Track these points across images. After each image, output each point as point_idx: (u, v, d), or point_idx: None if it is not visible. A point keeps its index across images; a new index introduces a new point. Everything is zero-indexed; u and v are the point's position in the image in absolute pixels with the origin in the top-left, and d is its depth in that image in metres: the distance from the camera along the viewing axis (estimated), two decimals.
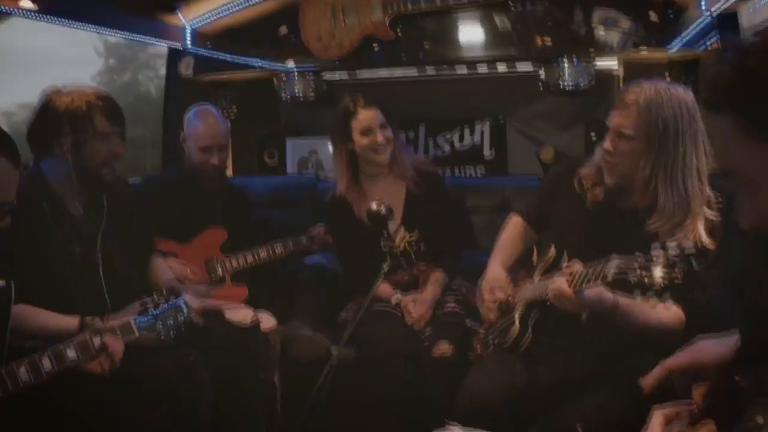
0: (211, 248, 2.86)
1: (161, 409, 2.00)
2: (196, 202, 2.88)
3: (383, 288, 2.69)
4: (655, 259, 1.58)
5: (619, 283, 1.73)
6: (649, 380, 1.48)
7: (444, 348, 2.46)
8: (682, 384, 1.40)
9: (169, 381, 2.08)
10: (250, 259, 2.89)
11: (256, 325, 2.50)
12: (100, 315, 2.05)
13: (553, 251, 2.17)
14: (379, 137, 2.74)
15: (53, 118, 2.06)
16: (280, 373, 2.66)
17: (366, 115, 2.75)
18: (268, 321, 2.65)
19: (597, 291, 1.83)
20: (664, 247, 1.58)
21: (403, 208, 2.82)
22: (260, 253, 2.90)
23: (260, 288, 2.93)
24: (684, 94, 1.91)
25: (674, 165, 1.88)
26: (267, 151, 3.87)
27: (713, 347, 1.41)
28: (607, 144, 1.96)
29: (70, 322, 1.97)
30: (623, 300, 1.83)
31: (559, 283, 1.87)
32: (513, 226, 2.44)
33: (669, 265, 1.56)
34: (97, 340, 1.81)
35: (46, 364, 1.73)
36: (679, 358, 1.42)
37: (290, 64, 3.67)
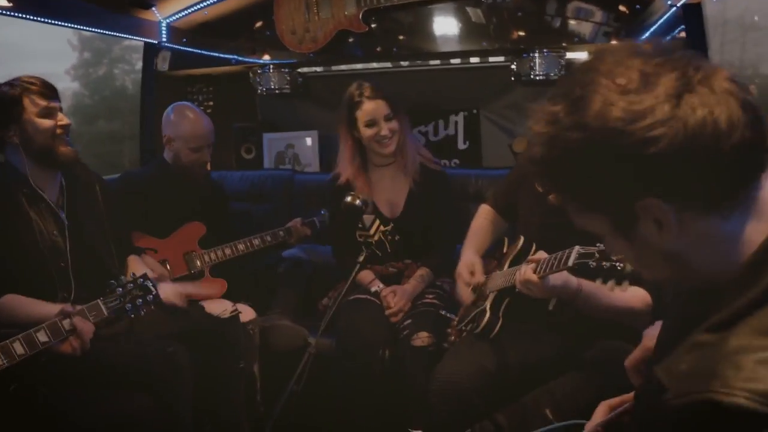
0: (189, 242, 2.89)
1: (143, 399, 2.04)
2: (176, 197, 2.91)
3: (366, 276, 2.75)
4: None
5: (583, 271, 1.79)
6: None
7: (423, 337, 2.50)
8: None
9: (150, 372, 2.12)
10: (228, 252, 2.92)
11: (235, 316, 2.55)
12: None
13: (521, 241, 2.25)
14: (384, 129, 2.72)
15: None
16: (259, 363, 2.71)
17: (370, 106, 2.72)
18: (247, 313, 2.70)
19: (562, 276, 1.91)
20: None
21: (405, 202, 2.83)
22: (238, 246, 2.94)
23: (238, 281, 2.97)
24: None
25: None
26: (244, 145, 3.89)
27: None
28: None
29: (56, 309, 2.00)
30: (586, 284, 1.91)
31: (525, 269, 1.94)
32: (483, 215, 2.51)
33: None
34: (66, 323, 1.86)
35: (18, 348, 1.77)
36: (634, 355, 1.44)
37: (265, 58, 3.69)
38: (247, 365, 2.60)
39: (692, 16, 3.21)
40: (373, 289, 2.74)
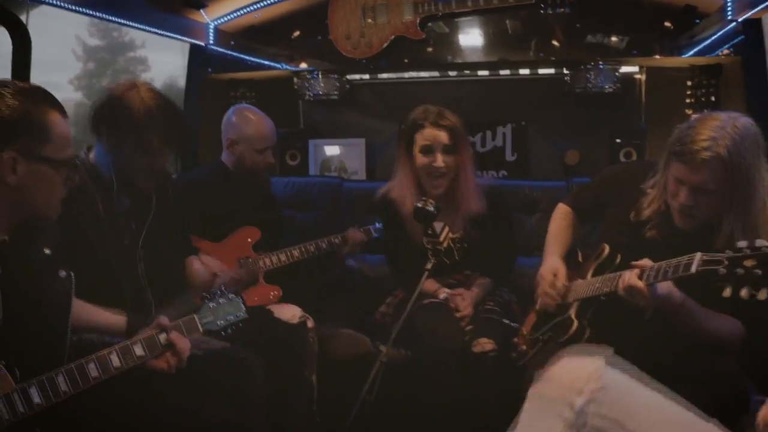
0: (244, 247, 2.81)
1: (218, 405, 1.94)
2: (234, 201, 2.83)
3: (431, 284, 2.68)
4: (744, 251, 1.57)
5: (710, 278, 1.66)
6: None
7: (484, 343, 2.44)
8: None
9: (222, 378, 2.03)
10: (284, 258, 2.83)
11: (303, 322, 2.46)
12: (140, 311, 2.00)
13: (606, 251, 2.17)
14: (438, 161, 2.58)
15: (127, 113, 2.01)
16: (317, 372, 2.62)
17: (430, 133, 2.59)
18: (310, 320, 2.61)
19: (668, 286, 1.83)
20: (751, 244, 1.56)
21: (460, 235, 2.65)
22: (293, 252, 2.85)
23: (290, 288, 2.88)
24: (750, 124, 1.84)
25: (748, 201, 1.85)
26: (289, 152, 3.83)
27: None
28: (685, 199, 1.87)
29: (118, 320, 1.92)
30: (690, 300, 1.84)
31: (630, 275, 1.86)
32: (561, 216, 2.44)
33: (759, 257, 1.54)
34: (162, 337, 1.76)
35: (114, 360, 1.68)
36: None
37: (304, 64, 3.65)
38: (308, 374, 2.52)
39: (752, 32, 3.20)
40: (441, 296, 2.68)
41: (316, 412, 2.60)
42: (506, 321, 2.63)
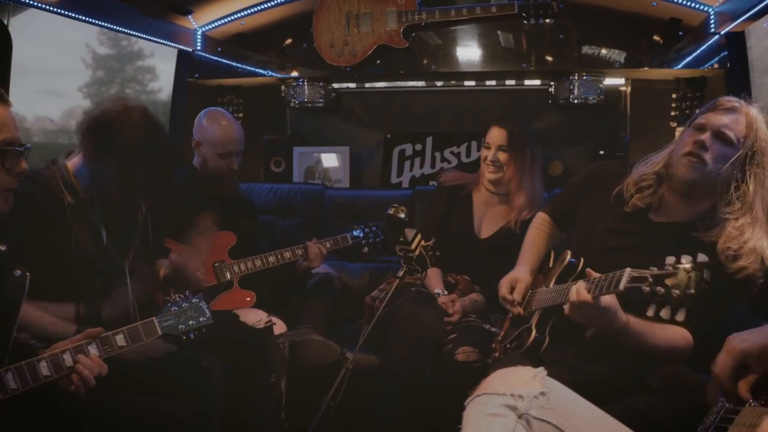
0: (220, 252, 2.81)
1: (179, 410, 1.94)
2: (204, 204, 2.83)
3: (433, 277, 2.75)
4: (668, 269, 1.54)
5: (634, 296, 1.67)
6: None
7: (468, 352, 2.43)
8: (731, 385, 1.39)
9: (182, 384, 2.02)
10: (259, 263, 2.83)
11: (269, 327, 2.45)
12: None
13: (568, 256, 2.14)
14: (491, 155, 2.83)
15: (112, 137, 2.00)
16: (287, 378, 2.60)
17: (493, 132, 2.85)
18: (278, 326, 2.61)
19: (614, 304, 1.78)
20: (677, 261, 1.55)
21: (493, 234, 2.88)
22: (269, 258, 2.85)
23: (265, 294, 2.88)
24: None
25: (752, 178, 1.87)
26: (273, 158, 3.84)
27: (753, 338, 1.40)
28: (706, 138, 1.89)
29: (68, 328, 1.91)
30: (634, 321, 1.80)
31: (579, 287, 1.81)
32: (538, 225, 2.42)
33: (683, 277, 1.51)
34: (67, 358, 1.67)
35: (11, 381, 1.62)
36: (726, 359, 1.39)
37: (296, 72, 3.66)
38: (276, 379, 2.50)
39: (734, 45, 3.19)
40: (435, 290, 2.72)
41: (285, 419, 2.58)
42: (486, 326, 2.63)
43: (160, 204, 2.31)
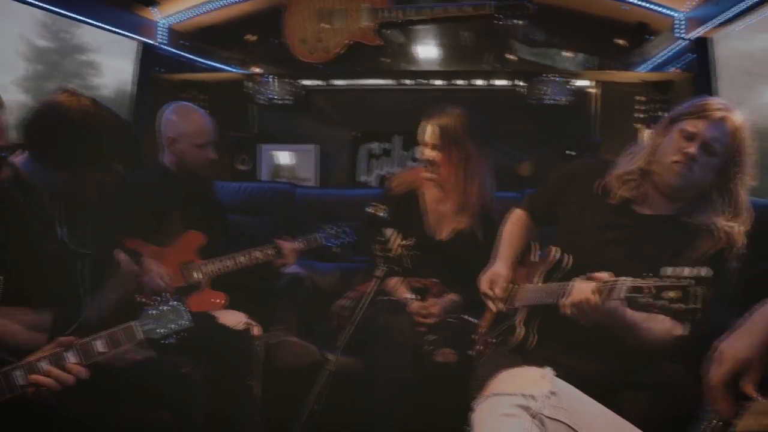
0: (188, 252, 2.71)
1: (160, 415, 1.84)
2: (177, 204, 2.73)
3: (396, 285, 2.65)
4: (667, 280, 1.53)
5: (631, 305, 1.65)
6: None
7: (447, 353, 2.39)
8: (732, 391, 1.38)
9: (163, 391, 1.93)
10: (229, 264, 2.74)
11: (248, 329, 2.37)
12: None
13: (556, 253, 2.13)
14: (423, 154, 2.68)
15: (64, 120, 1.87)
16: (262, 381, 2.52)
17: (423, 127, 2.68)
18: (256, 327, 2.52)
19: (620, 303, 1.76)
20: (677, 273, 1.53)
21: (452, 237, 2.76)
22: (239, 258, 2.76)
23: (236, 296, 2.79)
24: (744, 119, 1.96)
25: (736, 180, 1.93)
26: (239, 156, 3.73)
27: (741, 342, 1.39)
28: (695, 150, 1.91)
29: (37, 338, 1.78)
30: (631, 313, 1.77)
31: (586, 288, 1.78)
32: (514, 220, 2.40)
33: (680, 291, 1.50)
34: (20, 376, 1.57)
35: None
36: (721, 370, 1.37)
37: (262, 68, 3.57)
38: (253, 382, 2.42)
39: (702, 50, 3.26)
40: (405, 296, 2.64)
41: (260, 422, 2.50)
42: (465, 316, 2.59)
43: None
